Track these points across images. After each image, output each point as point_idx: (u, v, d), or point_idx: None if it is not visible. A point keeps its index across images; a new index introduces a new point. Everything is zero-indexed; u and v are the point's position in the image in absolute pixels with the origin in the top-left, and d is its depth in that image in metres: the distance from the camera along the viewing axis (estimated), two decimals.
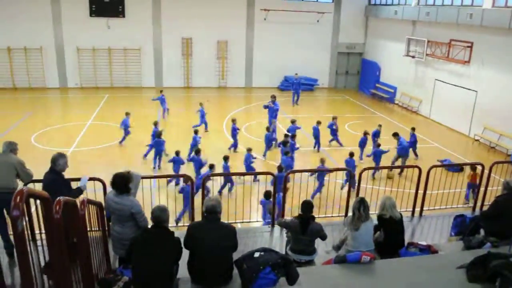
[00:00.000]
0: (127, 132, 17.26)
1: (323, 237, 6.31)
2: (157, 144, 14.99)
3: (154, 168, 15.00)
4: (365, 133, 16.65)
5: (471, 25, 19.54)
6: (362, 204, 6.01)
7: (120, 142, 17.27)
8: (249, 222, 10.26)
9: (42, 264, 3.73)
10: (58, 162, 6.35)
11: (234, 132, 16.83)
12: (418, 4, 23.91)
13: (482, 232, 6.79)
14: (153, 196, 11.26)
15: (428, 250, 6.09)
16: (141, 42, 27.49)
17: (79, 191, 6.45)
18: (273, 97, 18.80)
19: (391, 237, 6.21)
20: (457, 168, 13.62)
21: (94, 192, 7.32)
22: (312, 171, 13.32)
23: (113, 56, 27.38)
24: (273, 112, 18.43)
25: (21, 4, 25.35)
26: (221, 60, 28.85)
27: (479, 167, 9.33)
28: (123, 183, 5.60)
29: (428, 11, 22.42)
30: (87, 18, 26.40)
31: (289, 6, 28.23)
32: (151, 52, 27.89)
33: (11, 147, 6.73)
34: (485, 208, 8.55)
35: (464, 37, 20.66)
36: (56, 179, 6.28)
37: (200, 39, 28.06)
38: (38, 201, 3.85)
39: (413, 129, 16.76)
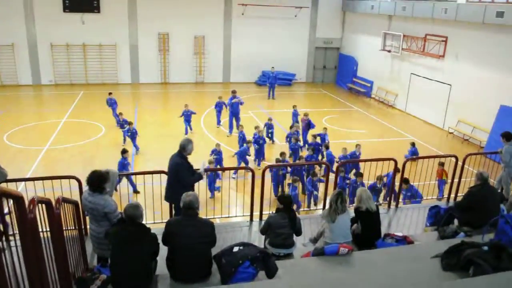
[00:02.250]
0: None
1: (299, 232, 6.35)
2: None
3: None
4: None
5: (446, 20, 19.88)
6: (339, 197, 6.08)
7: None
8: (228, 217, 10.27)
9: (17, 263, 3.66)
10: (187, 147, 6.87)
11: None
12: None
13: (456, 222, 6.96)
14: (130, 194, 11.18)
15: (404, 240, 6.21)
16: (117, 37, 27.09)
17: (199, 176, 7.02)
18: (234, 92, 18.78)
19: (368, 229, 6.30)
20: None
21: (69, 191, 7.21)
22: (290, 165, 13.40)
23: (88, 52, 26.92)
24: (237, 107, 18.36)
25: None
26: (198, 55, 28.68)
27: (453, 159, 9.49)
28: (97, 181, 5.53)
29: (404, 6, 22.70)
30: (61, 13, 25.84)
31: (267, 1, 28.19)
32: (127, 48, 27.52)
33: None
34: (458, 199, 8.74)
35: (439, 31, 21.01)
36: (181, 162, 6.84)
37: (177, 34, 27.82)
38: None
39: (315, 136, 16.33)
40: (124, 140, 16.59)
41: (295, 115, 19.11)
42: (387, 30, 25.24)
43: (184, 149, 6.87)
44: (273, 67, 26.04)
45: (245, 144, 14.74)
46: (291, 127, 16.34)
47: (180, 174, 6.77)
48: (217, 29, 28.61)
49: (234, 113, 18.41)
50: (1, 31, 25.10)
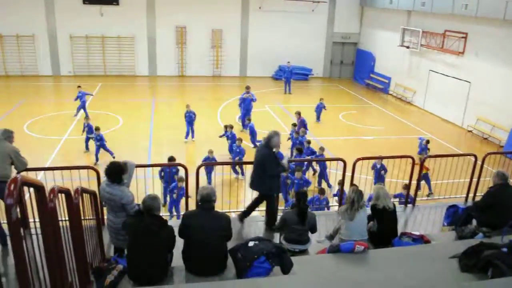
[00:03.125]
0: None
1: (314, 229, 6.34)
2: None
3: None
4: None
5: (466, 16, 19.53)
6: (359, 195, 6.03)
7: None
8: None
9: (37, 252, 3.71)
10: (273, 139, 7.02)
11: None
12: None
13: (474, 222, 6.85)
14: (147, 185, 11.25)
15: (421, 240, 6.13)
16: (135, 30, 27.25)
17: (283, 168, 7.25)
18: (248, 87, 18.41)
19: (384, 227, 6.25)
20: None
21: (87, 181, 7.30)
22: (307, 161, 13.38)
23: (106, 44, 27.13)
24: (249, 103, 17.98)
25: None
26: (215, 49, 28.69)
27: (472, 158, 9.34)
28: (115, 172, 5.57)
29: (423, 1, 22.35)
30: (80, 5, 26.10)
31: None
32: (145, 40, 27.67)
33: (6, 135, 6.63)
34: (477, 198, 8.61)
35: (459, 27, 20.66)
36: (268, 153, 7.06)
37: (195, 27, 27.86)
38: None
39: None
40: (87, 147, 15.19)
41: (319, 107, 19.20)
42: (406, 25, 24.90)
43: (270, 140, 7.04)
44: (289, 62, 25.93)
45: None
46: (293, 125, 15.87)
47: (266, 165, 6.98)
48: (234, 22, 28.57)
49: (246, 109, 18.11)
50: (22, 22, 25.45)
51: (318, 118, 19.74)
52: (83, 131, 15.24)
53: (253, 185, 7.44)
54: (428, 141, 15.85)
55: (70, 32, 26.43)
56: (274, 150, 7.20)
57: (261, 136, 15.35)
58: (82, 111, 18.54)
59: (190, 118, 16.70)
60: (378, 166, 12.51)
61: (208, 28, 28.17)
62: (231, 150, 14.85)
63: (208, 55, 28.80)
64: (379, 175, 12.52)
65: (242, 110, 18.30)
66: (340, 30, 30.37)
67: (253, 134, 16.28)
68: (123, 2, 26.64)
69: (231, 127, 15.12)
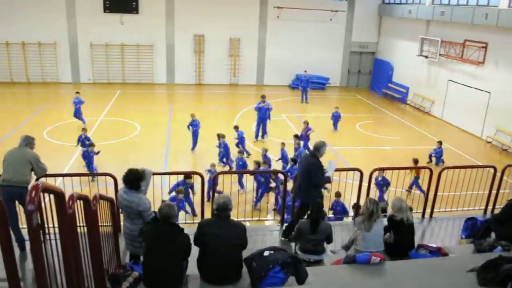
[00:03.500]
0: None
1: (330, 240, 6.31)
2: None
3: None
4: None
5: (486, 26, 19.29)
6: (377, 206, 5.99)
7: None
8: (258, 220, 10.29)
9: (56, 258, 3.77)
10: (321, 148, 7.12)
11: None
12: (433, 3, 23.68)
13: (493, 235, 6.73)
14: (164, 193, 11.33)
15: (439, 252, 6.04)
16: (154, 38, 27.61)
17: (328, 179, 7.28)
18: (264, 96, 18.28)
19: (401, 239, 6.18)
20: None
21: (105, 187, 7.39)
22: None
23: (125, 52, 27.53)
24: (265, 112, 17.87)
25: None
26: (233, 57, 28.86)
27: (491, 170, 9.19)
28: (133, 179, 5.63)
29: (442, 10, 22.20)
30: (101, 13, 26.58)
31: (303, 4, 28.10)
32: (164, 48, 27.99)
33: (28, 141, 6.76)
34: (496, 211, 8.47)
35: (479, 37, 20.42)
36: (315, 163, 7.10)
37: (213, 36, 28.10)
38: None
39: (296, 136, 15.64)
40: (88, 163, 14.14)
41: (334, 116, 19.18)
42: (425, 35, 24.72)
43: (318, 150, 7.10)
44: (305, 71, 25.93)
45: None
46: (295, 136, 15.38)
47: (312, 174, 7.04)
48: (252, 31, 28.72)
49: (262, 119, 18.02)
50: (44, 30, 26.02)
51: (335, 127, 19.70)
52: (86, 144, 14.74)
53: (297, 195, 7.48)
54: (440, 142, 15.85)
55: (91, 40, 26.91)
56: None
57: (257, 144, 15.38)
58: (85, 118, 18.68)
59: (196, 127, 16.41)
60: (379, 178, 12.06)
61: (226, 37, 28.37)
62: (221, 159, 14.94)
63: (226, 63, 28.99)
64: (381, 189, 12.14)
65: (257, 119, 18.30)
66: (358, 39, 30.30)
67: (241, 141, 16.12)
68: (143, 11, 27.04)
69: (223, 136, 15.06)
